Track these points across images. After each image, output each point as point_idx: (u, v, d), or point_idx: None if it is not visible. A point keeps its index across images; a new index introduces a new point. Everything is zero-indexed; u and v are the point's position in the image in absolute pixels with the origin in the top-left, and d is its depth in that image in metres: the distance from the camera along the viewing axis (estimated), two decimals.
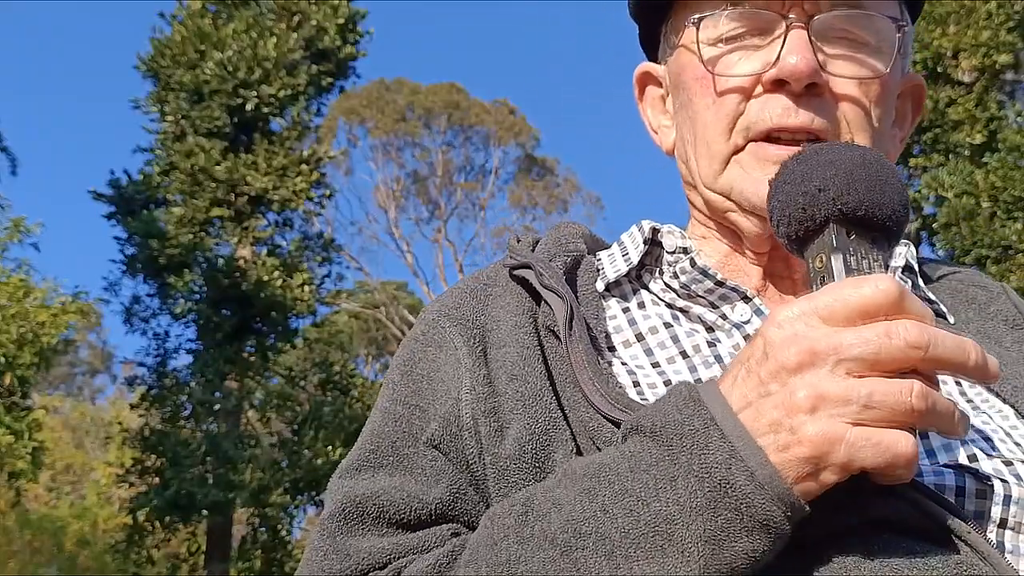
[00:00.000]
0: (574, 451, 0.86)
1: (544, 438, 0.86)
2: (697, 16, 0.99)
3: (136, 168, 16.45)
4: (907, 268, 1.02)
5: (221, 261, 15.67)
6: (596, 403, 0.84)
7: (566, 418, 0.88)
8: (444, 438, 0.90)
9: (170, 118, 15.84)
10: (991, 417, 0.92)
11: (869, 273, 0.74)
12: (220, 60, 15.51)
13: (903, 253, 1.02)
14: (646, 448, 0.73)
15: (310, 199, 16.31)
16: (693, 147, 1.02)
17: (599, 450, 0.84)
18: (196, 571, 16.50)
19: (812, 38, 0.94)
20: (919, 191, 13.83)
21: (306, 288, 15.84)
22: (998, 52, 13.35)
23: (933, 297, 1.04)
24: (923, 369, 0.69)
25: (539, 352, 0.91)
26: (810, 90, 0.94)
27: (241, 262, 15.71)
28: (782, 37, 0.94)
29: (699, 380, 0.91)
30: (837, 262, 0.75)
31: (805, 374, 0.69)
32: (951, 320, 1.03)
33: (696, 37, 0.99)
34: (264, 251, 16.16)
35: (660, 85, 1.11)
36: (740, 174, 0.97)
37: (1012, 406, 0.93)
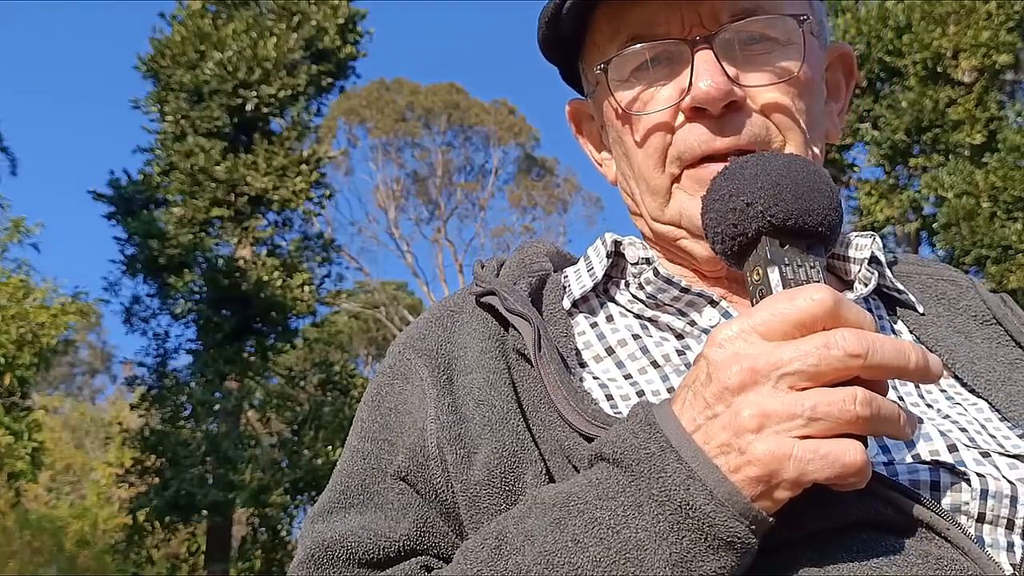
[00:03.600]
0: (544, 472, 0.86)
1: (512, 460, 0.86)
2: (603, 62, 0.98)
3: (136, 168, 16.49)
4: (873, 260, 1.02)
5: (221, 261, 15.66)
6: (572, 421, 0.84)
7: (535, 439, 0.88)
8: (411, 469, 0.90)
9: (170, 118, 15.84)
10: (966, 410, 0.92)
11: (806, 282, 0.74)
12: (220, 60, 15.51)
13: (868, 245, 1.02)
14: (611, 475, 0.73)
15: (310, 199, 16.31)
16: (634, 181, 1.03)
17: (575, 468, 0.84)
18: (196, 571, 16.49)
19: (719, 56, 0.93)
20: (919, 191, 13.83)
21: (306, 288, 15.84)
22: (998, 52, 13.35)
23: (901, 287, 1.04)
24: (865, 376, 0.69)
25: (506, 376, 0.92)
26: (730, 108, 0.94)
27: (241, 262, 15.71)
28: (690, 62, 0.93)
29: (671, 389, 0.91)
30: (773, 274, 0.75)
31: (748, 393, 0.69)
32: (920, 310, 1.03)
33: (606, 80, 0.99)
34: (264, 251, 16.16)
35: (593, 119, 1.11)
36: (685, 199, 0.97)
37: (986, 400, 0.93)
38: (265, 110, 15.87)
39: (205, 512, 14.78)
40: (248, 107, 15.66)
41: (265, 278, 15.34)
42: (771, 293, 0.74)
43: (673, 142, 0.97)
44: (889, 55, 13.92)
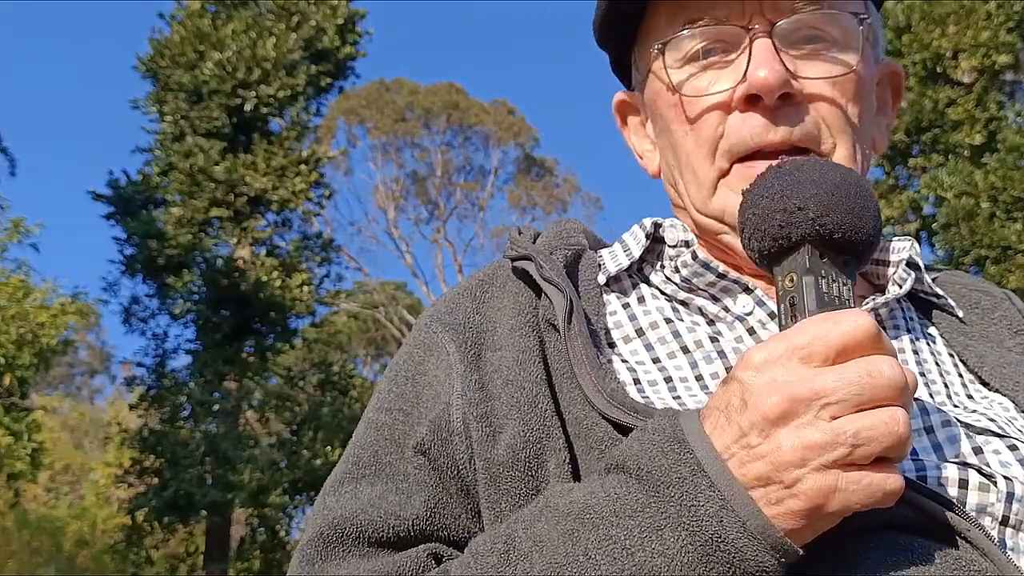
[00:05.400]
0: (567, 460, 0.85)
1: (538, 446, 0.85)
2: (660, 43, 0.97)
3: (135, 168, 16.49)
4: (911, 263, 1.01)
5: (220, 261, 15.67)
6: (593, 400, 0.83)
7: (563, 422, 0.86)
8: (433, 443, 0.88)
9: (169, 118, 15.84)
10: (991, 406, 0.92)
11: (839, 298, 0.73)
12: (219, 60, 15.51)
13: (906, 248, 1.01)
14: (631, 492, 0.71)
15: (309, 199, 16.32)
16: (679, 172, 1.01)
17: (593, 450, 0.83)
18: (195, 571, 16.49)
19: (777, 46, 0.92)
20: (919, 191, 13.83)
21: (305, 288, 15.84)
22: (998, 52, 13.36)
23: (941, 292, 1.03)
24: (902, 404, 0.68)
25: (538, 352, 0.90)
26: (785, 100, 0.92)
27: (240, 262, 15.71)
28: (747, 50, 0.93)
29: (699, 376, 0.90)
30: (809, 285, 0.73)
31: (789, 424, 0.67)
32: (960, 314, 1.03)
33: (663, 63, 0.98)
34: (263, 251, 16.16)
35: (639, 112, 1.10)
36: (730, 196, 0.95)
37: (1012, 400, 0.93)
38: (264, 110, 15.88)
39: (204, 512, 14.78)
40: (247, 107, 15.66)
41: (264, 278, 15.34)
42: (803, 303, 0.73)
43: (725, 133, 0.95)
44: (889, 55, 13.82)
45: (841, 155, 0.95)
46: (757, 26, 0.93)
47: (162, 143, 15.99)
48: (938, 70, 13.70)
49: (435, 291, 29.85)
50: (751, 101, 0.93)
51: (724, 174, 0.96)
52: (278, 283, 15.49)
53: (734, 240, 0.97)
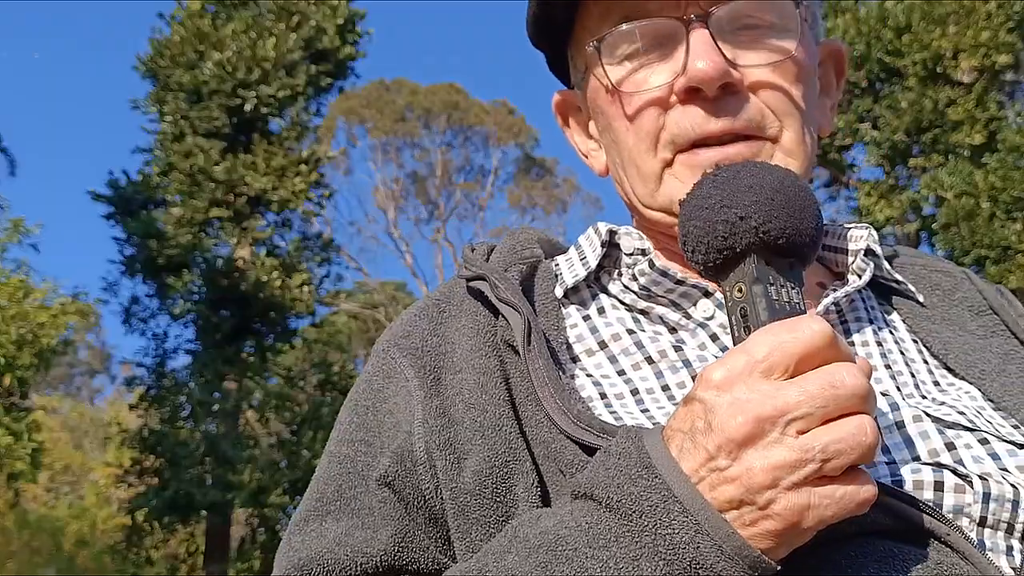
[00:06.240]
0: (536, 483, 0.84)
1: (504, 470, 0.84)
2: (596, 40, 0.96)
3: (135, 168, 16.52)
4: (868, 252, 1.00)
5: (220, 261, 15.67)
6: (558, 422, 0.82)
7: (527, 442, 0.85)
8: (397, 474, 0.87)
9: (169, 118, 15.84)
10: (959, 397, 0.91)
11: (789, 303, 0.73)
12: (219, 60, 15.51)
13: (864, 236, 1.00)
14: (602, 522, 0.70)
15: (309, 199, 16.31)
16: (623, 169, 1.00)
17: (561, 472, 0.82)
18: (195, 571, 16.49)
19: (714, 36, 0.91)
20: (919, 191, 13.83)
21: (305, 288, 15.84)
22: (998, 52, 13.35)
23: (900, 278, 1.02)
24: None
25: (499, 373, 0.89)
26: (726, 89, 0.91)
27: (240, 262, 15.71)
28: (684, 42, 0.91)
29: (666, 387, 0.89)
30: (758, 294, 0.72)
31: (757, 445, 0.66)
32: (921, 299, 1.02)
33: (599, 60, 0.96)
34: (263, 251, 16.16)
35: (580, 111, 1.09)
36: (676, 185, 0.94)
37: (979, 388, 0.92)
38: (264, 110, 15.87)
39: (204, 512, 14.79)
40: (247, 107, 15.65)
41: (264, 278, 15.34)
42: (754, 313, 0.72)
43: (666, 125, 0.94)
44: (889, 55, 13.92)
45: (788, 139, 0.94)
46: (693, 17, 0.91)
47: (162, 143, 15.98)
48: (938, 70, 13.70)
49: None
50: (691, 93, 0.92)
51: (668, 164, 0.95)
52: (278, 283, 15.49)
53: None
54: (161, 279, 15.58)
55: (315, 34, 16.55)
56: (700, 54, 0.90)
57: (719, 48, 0.91)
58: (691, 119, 0.92)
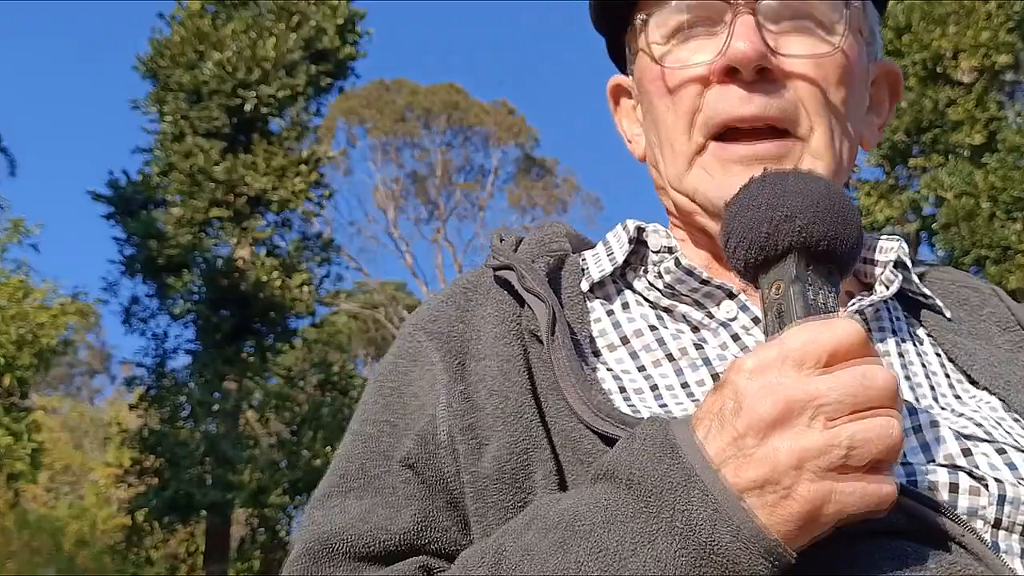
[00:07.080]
0: (555, 471, 0.84)
1: (523, 457, 0.85)
2: (644, 15, 0.98)
3: (135, 169, 16.49)
4: (899, 263, 1.01)
5: (220, 261, 15.67)
6: (579, 412, 0.83)
7: (548, 432, 0.86)
8: (420, 456, 0.88)
9: (169, 118, 15.84)
10: (979, 407, 0.92)
11: (825, 306, 0.73)
12: (219, 60, 15.52)
13: (894, 248, 1.00)
14: (622, 500, 0.71)
15: (309, 199, 16.32)
16: (659, 149, 1.01)
17: (580, 461, 0.83)
18: (195, 571, 16.50)
19: (760, 22, 0.93)
20: (919, 191, 13.84)
21: (305, 288, 15.84)
22: (998, 52, 13.36)
23: (928, 292, 1.03)
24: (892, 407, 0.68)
25: (522, 361, 0.90)
26: (762, 75, 0.93)
27: (240, 262, 15.71)
28: (730, 24, 0.93)
29: (685, 383, 0.90)
30: (797, 293, 0.73)
31: (784, 428, 0.67)
32: (948, 315, 1.02)
33: (647, 38, 0.98)
34: (263, 251, 16.17)
35: (630, 95, 1.11)
36: (703, 177, 0.96)
37: (1002, 400, 0.93)
38: (264, 110, 15.88)
39: (204, 512, 14.79)
40: (247, 107, 15.66)
41: (264, 278, 15.35)
42: (791, 310, 0.73)
43: (702, 106, 0.95)
44: (889, 55, 13.84)
45: (818, 140, 0.95)
46: (741, 2, 0.93)
47: (162, 143, 15.99)
48: (938, 70, 13.71)
49: (435, 291, 29.82)
50: (729, 73, 0.93)
51: (700, 150, 0.96)
52: (278, 283, 15.49)
53: (707, 222, 0.98)
54: (161, 279, 15.59)
55: (315, 34, 16.55)
56: (741, 36, 0.91)
57: (761, 33, 0.92)
58: (727, 100, 0.93)
